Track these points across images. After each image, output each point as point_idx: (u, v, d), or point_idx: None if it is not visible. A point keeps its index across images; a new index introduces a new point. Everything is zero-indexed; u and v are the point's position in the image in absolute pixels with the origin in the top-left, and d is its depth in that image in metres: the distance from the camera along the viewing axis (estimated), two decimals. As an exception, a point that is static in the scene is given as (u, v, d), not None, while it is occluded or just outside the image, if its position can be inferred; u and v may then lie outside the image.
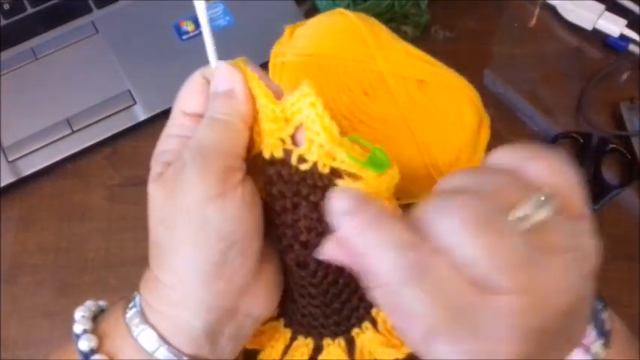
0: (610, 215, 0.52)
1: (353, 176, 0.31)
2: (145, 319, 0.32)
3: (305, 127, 0.32)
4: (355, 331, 0.37)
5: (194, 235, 0.31)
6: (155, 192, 0.32)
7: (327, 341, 0.37)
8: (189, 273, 0.31)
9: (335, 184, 0.32)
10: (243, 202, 0.31)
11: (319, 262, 0.33)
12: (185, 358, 0.32)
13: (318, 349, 0.38)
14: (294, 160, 0.32)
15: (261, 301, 0.34)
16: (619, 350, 0.31)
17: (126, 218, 0.53)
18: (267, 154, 0.32)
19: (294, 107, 0.32)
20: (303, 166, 0.32)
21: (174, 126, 0.34)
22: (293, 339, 0.38)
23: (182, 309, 0.32)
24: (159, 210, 0.32)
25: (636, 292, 0.49)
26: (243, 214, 0.31)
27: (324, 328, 0.37)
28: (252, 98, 0.33)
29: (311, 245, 0.33)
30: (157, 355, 0.32)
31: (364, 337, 0.36)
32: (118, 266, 0.51)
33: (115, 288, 0.50)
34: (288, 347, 0.38)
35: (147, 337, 0.32)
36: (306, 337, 0.38)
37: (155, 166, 0.33)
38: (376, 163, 0.31)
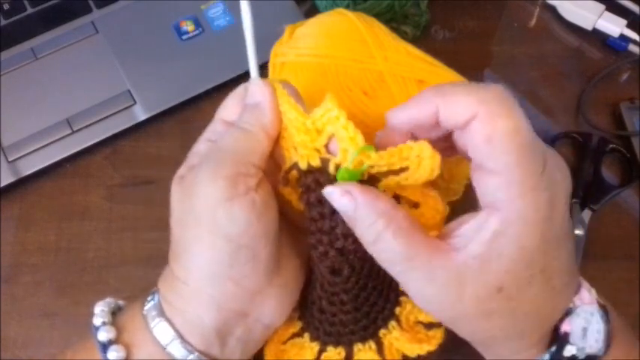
0: (610, 215, 0.52)
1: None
2: (161, 312, 0.33)
3: (337, 139, 0.32)
4: (382, 332, 0.38)
5: (204, 235, 0.32)
6: (174, 193, 0.34)
7: (357, 346, 0.38)
8: (199, 271, 0.33)
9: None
10: (253, 208, 0.32)
11: (352, 269, 0.35)
12: (196, 354, 0.33)
13: (349, 357, 0.38)
14: (331, 168, 0.33)
15: (273, 308, 0.35)
16: (620, 353, 0.31)
17: (126, 218, 0.53)
18: (303, 165, 0.33)
19: (324, 119, 0.32)
20: None
21: (210, 131, 0.36)
22: (322, 351, 0.39)
23: (195, 305, 0.33)
24: (176, 210, 0.34)
25: (636, 292, 0.49)
26: (253, 219, 0.32)
27: (353, 334, 0.38)
28: (278, 113, 0.34)
29: (347, 252, 0.34)
30: (170, 348, 0.33)
31: (391, 336, 0.38)
32: (118, 266, 0.51)
33: (114, 288, 0.50)
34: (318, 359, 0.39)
35: (162, 330, 0.33)
36: (336, 346, 0.38)
37: (182, 168, 0.35)
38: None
